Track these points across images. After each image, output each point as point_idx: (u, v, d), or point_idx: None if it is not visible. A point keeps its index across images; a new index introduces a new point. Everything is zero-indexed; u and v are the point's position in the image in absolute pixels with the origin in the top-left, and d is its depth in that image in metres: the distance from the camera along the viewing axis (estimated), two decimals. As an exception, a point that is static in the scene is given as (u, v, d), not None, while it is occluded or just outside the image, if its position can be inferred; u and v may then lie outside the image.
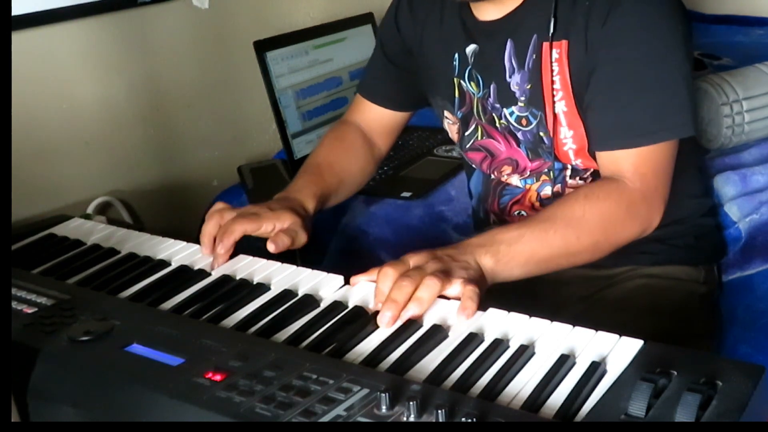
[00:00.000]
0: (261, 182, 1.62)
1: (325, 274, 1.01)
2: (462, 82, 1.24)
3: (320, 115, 1.82)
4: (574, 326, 0.84)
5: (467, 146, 1.29)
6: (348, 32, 1.92)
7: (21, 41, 1.49)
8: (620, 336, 0.81)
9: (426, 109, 1.43)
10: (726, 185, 1.39)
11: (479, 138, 1.26)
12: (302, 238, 1.13)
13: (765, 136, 1.49)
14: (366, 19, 1.96)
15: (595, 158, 1.16)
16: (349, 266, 1.25)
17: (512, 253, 0.99)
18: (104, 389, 0.80)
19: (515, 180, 1.25)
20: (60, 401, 0.80)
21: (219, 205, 1.15)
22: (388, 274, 0.92)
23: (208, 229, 1.10)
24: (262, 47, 1.72)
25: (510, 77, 1.17)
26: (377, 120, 1.39)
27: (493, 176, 1.29)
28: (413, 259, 0.94)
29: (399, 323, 0.88)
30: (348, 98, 1.87)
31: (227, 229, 1.08)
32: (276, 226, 1.11)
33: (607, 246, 1.06)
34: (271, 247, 1.07)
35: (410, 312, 0.88)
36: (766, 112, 1.47)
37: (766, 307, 1.28)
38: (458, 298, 0.90)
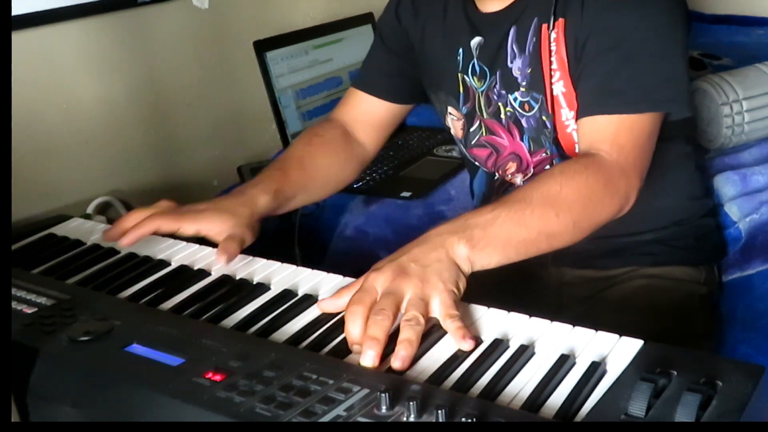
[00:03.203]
0: (261, 182, 1.62)
1: (325, 274, 1.00)
2: (465, 77, 1.23)
3: (320, 115, 1.82)
4: (574, 326, 0.84)
5: (473, 142, 1.27)
6: (348, 32, 1.92)
7: (21, 41, 1.49)
8: (620, 336, 0.81)
9: (426, 109, 1.42)
10: (726, 185, 1.39)
11: (484, 134, 1.25)
12: (247, 238, 1.08)
13: (765, 136, 1.49)
14: (366, 19, 1.96)
15: None
16: (349, 266, 1.25)
17: (488, 237, 0.91)
18: (104, 389, 0.80)
19: (519, 180, 1.25)
20: (60, 401, 0.80)
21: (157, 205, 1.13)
22: (358, 312, 0.84)
23: (124, 222, 1.09)
24: (262, 47, 1.72)
25: (511, 62, 1.16)
26: (369, 114, 1.34)
27: (497, 175, 1.28)
28: (379, 281, 0.87)
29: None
30: (348, 98, 1.87)
31: (138, 224, 1.07)
32: (200, 229, 1.08)
33: (587, 225, 1.00)
34: (221, 259, 1.03)
35: (401, 355, 0.80)
36: (766, 112, 1.47)
37: (765, 307, 1.28)
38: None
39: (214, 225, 1.08)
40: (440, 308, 0.85)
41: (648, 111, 1.06)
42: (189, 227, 1.08)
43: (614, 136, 1.04)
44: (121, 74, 1.70)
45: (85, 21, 1.62)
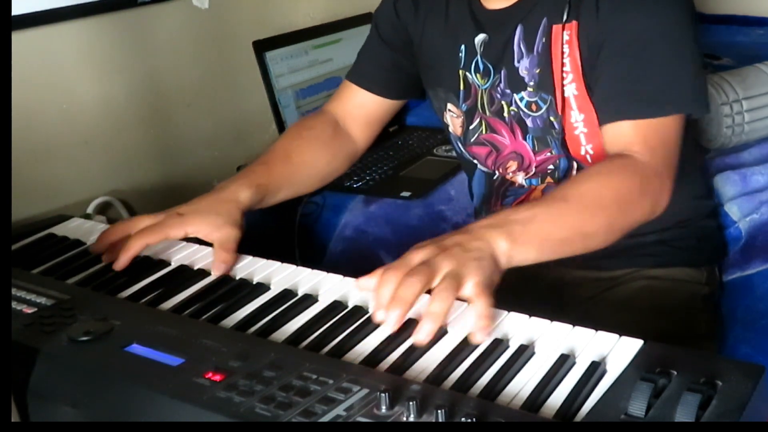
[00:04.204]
0: (261, 182, 1.62)
1: (325, 274, 1.00)
2: (468, 74, 1.23)
3: (320, 115, 1.81)
4: (574, 326, 0.84)
5: (472, 140, 1.27)
6: (348, 32, 1.92)
7: (21, 41, 1.49)
8: (620, 336, 0.81)
9: (426, 109, 1.42)
10: (726, 185, 1.39)
11: (484, 132, 1.25)
12: (236, 235, 1.07)
13: (765, 136, 1.49)
14: (366, 19, 1.96)
15: None
16: (348, 266, 1.25)
17: (527, 233, 0.92)
18: (104, 389, 0.80)
19: (521, 179, 1.25)
20: (60, 401, 0.80)
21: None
22: (390, 279, 0.84)
23: (109, 235, 1.09)
24: (262, 47, 1.72)
25: (518, 62, 1.16)
26: (361, 108, 1.33)
27: (498, 173, 1.27)
28: (419, 255, 0.87)
29: (422, 338, 0.81)
30: (348, 98, 1.87)
31: (126, 246, 1.05)
32: (188, 231, 1.07)
33: (620, 226, 1.01)
34: (216, 272, 1.02)
35: (426, 329, 0.81)
36: (766, 112, 1.47)
37: (766, 307, 1.28)
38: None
39: (199, 227, 1.07)
40: (473, 288, 0.84)
41: (674, 113, 1.06)
42: (176, 233, 1.07)
43: (644, 139, 1.05)
44: (121, 74, 1.70)
45: (85, 21, 1.62)
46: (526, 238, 0.92)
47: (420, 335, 0.80)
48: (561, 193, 1.00)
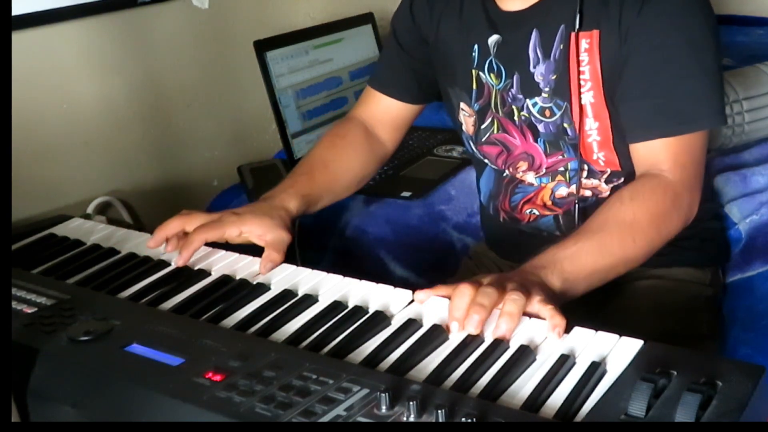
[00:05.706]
0: (261, 182, 1.62)
1: (325, 274, 1.01)
2: (481, 74, 1.23)
3: (320, 115, 1.81)
4: (573, 326, 0.84)
5: (483, 139, 1.27)
6: (348, 32, 1.92)
7: (21, 41, 1.49)
8: (620, 336, 0.81)
9: (426, 109, 1.42)
10: (726, 186, 1.38)
11: (495, 131, 1.25)
12: (287, 238, 1.11)
13: (765, 136, 1.49)
14: (366, 19, 1.96)
15: (618, 152, 1.15)
16: (349, 266, 1.24)
17: (576, 269, 0.97)
18: (104, 389, 0.80)
19: (530, 177, 1.25)
20: (60, 401, 0.80)
21: (187, 211, 1.15)
22: (465, 291, 0.87)
23: (166, 230, 1.11)
24: (262, 47, 1.72)
25: (534, 67, 1.16)
26: (386, 113, 1.36)
27: (507, 173, 1.28)
28: (486, 278, 0.91)
29: (487, 342, 0.84)
30: (348, 98, 1.87)
31: (187, 241, 1.08)
32: (242, 231, 1.10)
33: (659, 243, 1.05)
34: (263, 270, 1.04)
35: (501, 329, 0.84)
36: (766, 112, 1.47)
37: (766, 308, 1.28)
38: (537, 315, 0.87)
39: (255, 227, 1.10)
40: (539, 303, 0.87)
41: (705, 128, 1.09)
42: (232, 231, 1.10)
43: (674, 156, 1.07)
44: (121, 74, 1.70)
45: (85, 21, 1.62)
46: (575, 274, 0.96)
47: (499, 333, 0.84)
48: (599, 221, 1.03)
